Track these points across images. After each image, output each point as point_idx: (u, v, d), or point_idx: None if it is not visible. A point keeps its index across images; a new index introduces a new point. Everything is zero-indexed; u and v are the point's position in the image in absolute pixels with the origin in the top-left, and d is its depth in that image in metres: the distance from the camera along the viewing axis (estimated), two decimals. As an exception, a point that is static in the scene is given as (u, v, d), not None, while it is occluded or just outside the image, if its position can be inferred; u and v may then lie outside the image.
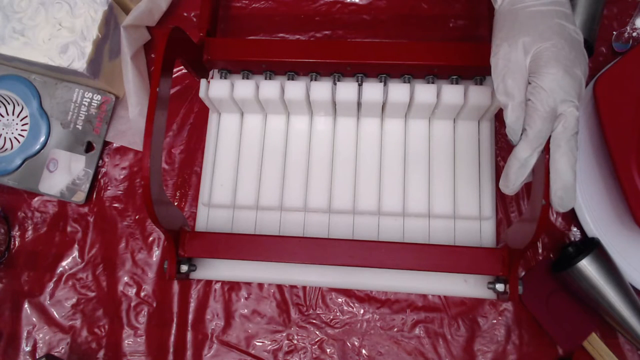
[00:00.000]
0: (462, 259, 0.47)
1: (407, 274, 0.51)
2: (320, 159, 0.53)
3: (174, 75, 0.60)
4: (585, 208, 0.50)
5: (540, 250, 0.53)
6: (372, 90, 0.49)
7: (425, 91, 0.49)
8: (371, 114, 0.53)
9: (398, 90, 0.49)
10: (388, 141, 0.53)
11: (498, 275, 0.47)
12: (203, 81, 0.52)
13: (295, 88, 0.50)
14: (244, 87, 0.51)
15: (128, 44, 0.55)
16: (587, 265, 0.47)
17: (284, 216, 0.53)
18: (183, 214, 0.53)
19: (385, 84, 0.51)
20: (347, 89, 0.49)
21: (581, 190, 0.51)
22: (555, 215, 0.53)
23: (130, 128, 0.58)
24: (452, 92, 0.48)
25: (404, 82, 0.52)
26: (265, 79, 0.54)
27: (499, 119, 0.54)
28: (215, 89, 0.51)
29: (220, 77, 0.55)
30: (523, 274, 0.52)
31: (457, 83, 0.52)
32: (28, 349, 0.55)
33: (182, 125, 0.59)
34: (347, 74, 0.54)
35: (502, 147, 0.54)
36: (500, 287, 0.47)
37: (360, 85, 0.50)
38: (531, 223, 0.39)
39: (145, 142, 0.40)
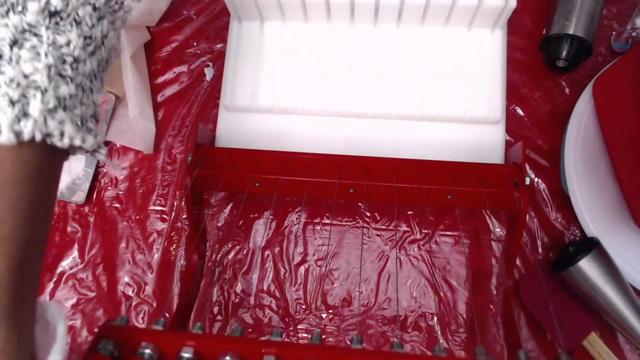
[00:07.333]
0: None
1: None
2: (338, 65, 0.55)
3: (173, 75, 0.60)
4: (585, 208, 0.50)
5: (540, 250, 0.53)
6: None
7: None
8: (387, 19, 0.54)
9: None
10: (403, 49, 0.55)
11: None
12: None
13: None
14: None
15: (128, 44, 0.55)
16: (586, 265, 0.47)
17: (302, 120, 0.55)
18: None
19: None
20: None
21: (581, 190, 0.51)
22: (555, 216, 0.53)
23: (130, 128, 0.58)
24: None
25: None
26: None
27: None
28: None
29: None
30: (523, 273, 0.52)
31: None
32: (28, 349, 0.55)
33: (182, 125, 0.59)
34: None
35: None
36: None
37: None
38: None
39: None
